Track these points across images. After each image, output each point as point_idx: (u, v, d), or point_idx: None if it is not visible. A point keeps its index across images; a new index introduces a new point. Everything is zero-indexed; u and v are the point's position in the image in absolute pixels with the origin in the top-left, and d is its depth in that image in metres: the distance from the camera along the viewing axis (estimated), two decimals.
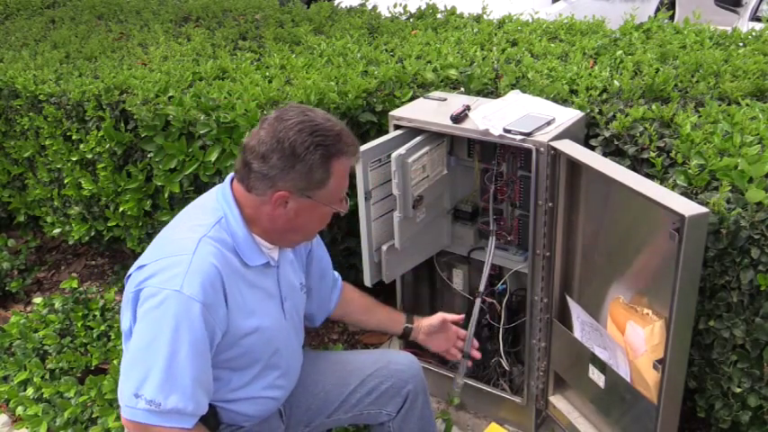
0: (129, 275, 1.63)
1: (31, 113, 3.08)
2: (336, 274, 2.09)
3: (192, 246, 1.58)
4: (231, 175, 1.69)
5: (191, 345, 1.52)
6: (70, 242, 3.29)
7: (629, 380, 1.95)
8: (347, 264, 2.84)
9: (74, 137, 2.92)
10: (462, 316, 2.21)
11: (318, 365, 1.97)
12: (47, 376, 2.64)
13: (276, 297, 1.76)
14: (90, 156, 2.85)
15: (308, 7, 3.95)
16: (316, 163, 1.56)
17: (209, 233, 1.61)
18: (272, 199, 1.59)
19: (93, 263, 3.71)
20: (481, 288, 2.36)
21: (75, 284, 3.13)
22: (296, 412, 1.92)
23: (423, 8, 3.76)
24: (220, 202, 1.67)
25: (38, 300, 3.13)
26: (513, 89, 2.45)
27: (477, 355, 2.25)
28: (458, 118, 2.16)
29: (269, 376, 1.77)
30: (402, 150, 2.12)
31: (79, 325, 2.84)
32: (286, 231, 1.68)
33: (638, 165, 2.12)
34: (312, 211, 1.64)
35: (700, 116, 2.17)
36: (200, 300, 1.52)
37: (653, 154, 2.05)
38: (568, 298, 2.17)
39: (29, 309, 3.34)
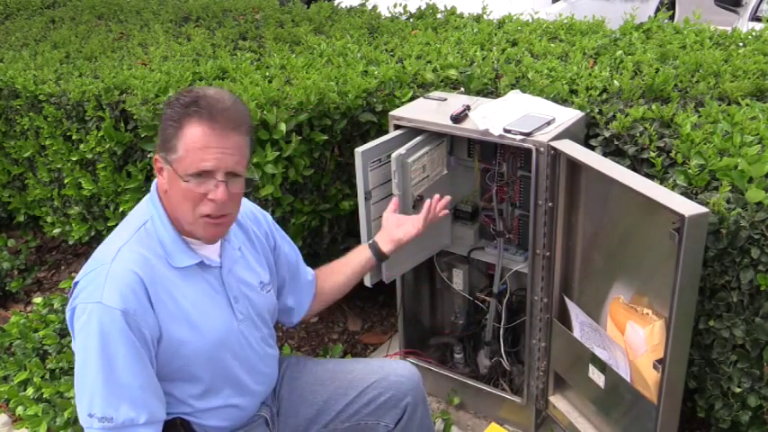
0: None
1: (31, 113, 3.08)
2: (310, 270, 2.02)
3: (111, 255, 1.56)
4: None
5: (125, 352, 1.50)
6: (70, 242, 3.29)
7: (629, 380, 1.95)
8: None
9: (74, 137, 2.92)
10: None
11: (319, 375, 1.94)
12: (47, 376, 2.64)
13: (222, 298, 1.70)
14: (90, 156, 2.85)
15: (308, 7, 3.95)
16: (167, 117, 1.53)
17: (131, 239, 1.59)
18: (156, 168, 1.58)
19: None
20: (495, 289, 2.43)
21: None
22: (291, 422, 1.90)
23: (423, 8, 3.76)
24: (148, 206, 1.64)
25: (38, 300, 3.13)
26: (513, 89, 2.45)
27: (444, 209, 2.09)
28: (458, 118, 2.16)
29: (226, 383, 1.71)
30: (402, 150, 2.12)
31: None
32: (178, 211, 1.60)
33: (638, 165, 2.12)
34: (174, 182, 1.55)
35: (700, 116, 2.17)
36: (120, 308, 1.50)
37: (653, 154, 2.05)
38: (567, 299, 2.17)
39: (29, 309, 3.34)
